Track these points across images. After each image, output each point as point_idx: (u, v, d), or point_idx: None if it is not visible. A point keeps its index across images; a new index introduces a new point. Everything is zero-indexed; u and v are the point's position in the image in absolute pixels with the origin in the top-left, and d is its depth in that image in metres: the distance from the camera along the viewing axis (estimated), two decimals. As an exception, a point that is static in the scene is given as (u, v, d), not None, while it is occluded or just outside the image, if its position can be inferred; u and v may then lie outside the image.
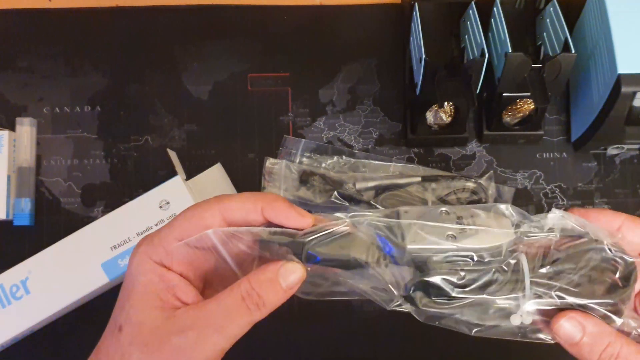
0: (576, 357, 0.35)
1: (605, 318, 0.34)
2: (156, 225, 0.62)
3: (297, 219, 0.36)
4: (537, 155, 0.69)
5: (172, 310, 0.34)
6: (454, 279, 0.34)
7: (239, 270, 0.36)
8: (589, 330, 0.33)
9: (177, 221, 0.37)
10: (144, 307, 0.34)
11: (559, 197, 0.68)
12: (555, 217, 0.36)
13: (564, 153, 0.69)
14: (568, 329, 0.34)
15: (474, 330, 0.37)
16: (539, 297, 0.34)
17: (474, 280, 0.34)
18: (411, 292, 0.36)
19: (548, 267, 0.35)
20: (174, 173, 0.64)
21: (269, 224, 0.37)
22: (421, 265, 0.36)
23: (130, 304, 0.34)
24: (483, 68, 0.59)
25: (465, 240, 0.35)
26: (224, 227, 0.35)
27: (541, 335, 0.36)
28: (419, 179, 0.67)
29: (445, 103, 0.65)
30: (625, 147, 0.65)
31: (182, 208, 0.64)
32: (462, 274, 0.34)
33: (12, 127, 0.67)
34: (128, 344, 0.33)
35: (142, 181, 0.67)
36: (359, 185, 0.67)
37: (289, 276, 0.35)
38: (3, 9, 0.70)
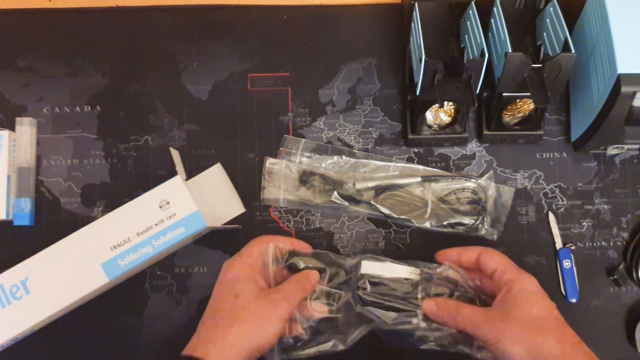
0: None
1: None
2: (156, 225, 0.62)
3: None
4: (537, 155, 0.69)
5: (262, 289, 0.58)
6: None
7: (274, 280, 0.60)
8: (439, 302, 0.58)
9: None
10: (249, 286, 0.57)
11: (558, 197, 0.68)
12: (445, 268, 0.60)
13: (564, 153, 0.69)
14: (427, 304, 0.58)
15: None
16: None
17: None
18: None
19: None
20: (173, 173, 0.64)
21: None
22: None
23: (239, 286, 0.57)
24: (483, 68, 0.59)
25: None
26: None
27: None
28: (419, 179, 0.67)
29: (445, 103, 0.66)
30: (625, 147, 0.65)
31: (182, 208, 0.64)
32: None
33: (12, 127, 0.67)
34: (246, 301, 0.56)
35: (142, 181, 0.67)
36: (359, 185, 0.67)
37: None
38: (3, 9, 0.70)
